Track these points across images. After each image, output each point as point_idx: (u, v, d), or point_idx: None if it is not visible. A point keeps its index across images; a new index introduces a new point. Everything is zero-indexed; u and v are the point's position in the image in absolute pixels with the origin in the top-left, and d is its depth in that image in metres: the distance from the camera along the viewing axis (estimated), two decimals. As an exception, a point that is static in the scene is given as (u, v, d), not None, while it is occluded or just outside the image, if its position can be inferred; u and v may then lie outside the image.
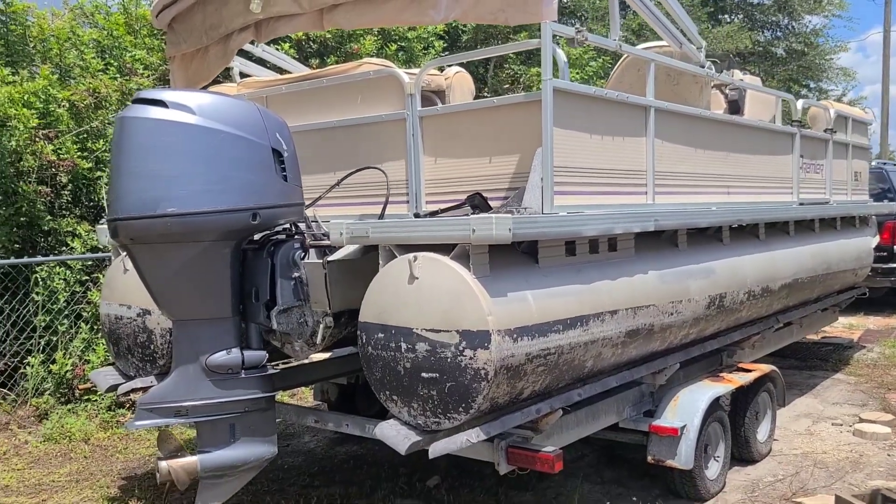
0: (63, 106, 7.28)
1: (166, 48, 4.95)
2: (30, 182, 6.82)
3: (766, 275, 5.39)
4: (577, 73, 11.22)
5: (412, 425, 3.35)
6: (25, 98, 6.83)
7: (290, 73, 5.89)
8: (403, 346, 3.30)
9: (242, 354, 3.74)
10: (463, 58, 4.14)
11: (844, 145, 7.12)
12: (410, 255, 3.31)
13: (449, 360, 3.17)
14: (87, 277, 6.85)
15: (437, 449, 3.19)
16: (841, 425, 6.07)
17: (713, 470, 4.66)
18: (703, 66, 4.65)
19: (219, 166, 3.54)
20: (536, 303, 3.36)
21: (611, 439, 4.82)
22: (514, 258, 3.49)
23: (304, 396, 6.97)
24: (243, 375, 3.77)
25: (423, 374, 3.24)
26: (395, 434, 3.32)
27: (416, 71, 4.29)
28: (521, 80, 10.76)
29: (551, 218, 3.39)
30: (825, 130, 6.74)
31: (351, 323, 4.13)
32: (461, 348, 3.15)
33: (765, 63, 20.27)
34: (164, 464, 3.69)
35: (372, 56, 9.04)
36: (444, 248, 3.32)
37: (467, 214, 3.72)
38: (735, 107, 5.38)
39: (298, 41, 8.63)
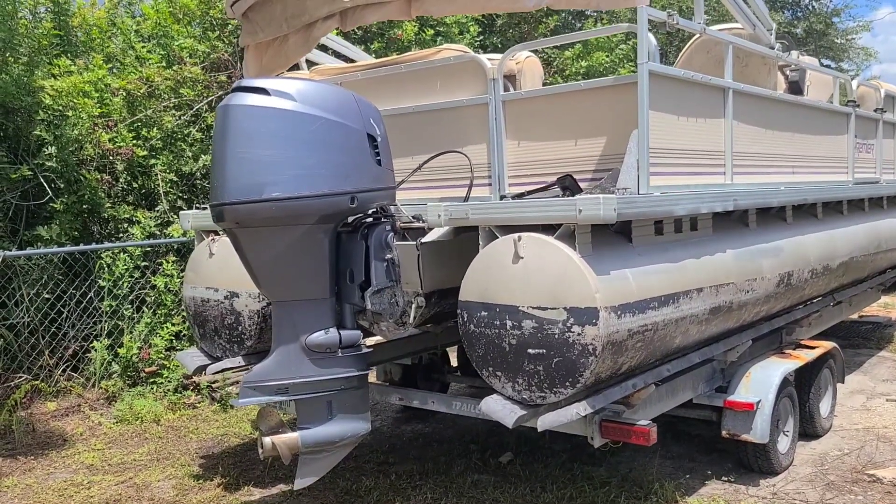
0: (119, 95, 7.39)
1: (241, 37, 5.03)
2: (90, 171, 6.94)
3: (827, 253, 5.48)
4: (606, 56, 11.26)
5: (516, 400, 3.47)
6: (84, 88, 6.94)
7: (349, 59, 5.99)
8: (509, 323, 3.42)
9: (339, 334, 3.86)
10: (547, 42, 4.23)
11: (893, 125, 7.18)
12: (515, 236, 3.42)
13: (556, 336, 3.29)
14: (147, 263, 6.98)
15: (546, 422, 3.32)
16: (895, 401, 6.18)
17: (784, 444, 4.78)
18: (772, 48, 4.72)
19: (319, 151, 3.64)
20: (635, 281, 3.47)
21: (676, 416, 4.94)
22: (609, 238, 3.60)
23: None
24: (340, 354, 3.89)
25: (530, 350, 3.36)
26: (502, 409, 3.44)
27: (496, 56, 4.39)
28: (555, 63, 10.82)
29: (648, 198, 3.50)
30: (875, 110, 6.80)
31: (440, 303, 4.25)
32: (569, 324, 3.26)
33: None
34: (267, 439, 3.82)
35: (412, 41, 9.12)
36: (545, 229, 3.43)
37: (557, 196, 3.83)
38: (796, 87, 5.45)
39: (344, 28, 8.69)
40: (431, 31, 9.42)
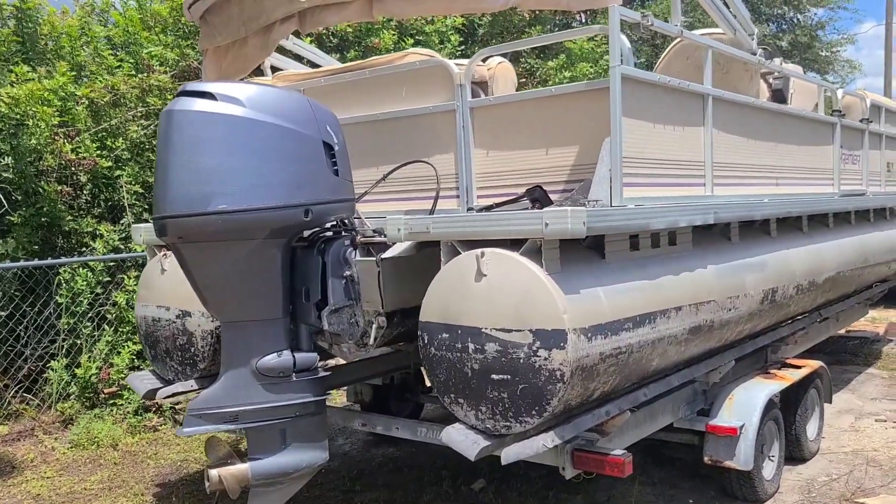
0: (82, 104, 7.12)
1: (199, 41, 4.79)
2: (50, 182, 6.66)
3: (813, 268, 5.26)
4: (591, 68, 11.08)
5: (480, 430, 3.21)
6: (44, 96, 6.67)
7: (320, 66, 5.75)
8: (471, 346, 3.16)
9: (293, 357, 3.60)
10: (517, 46, 4.00)
11: (879, 135, 7.00)
12: (477, 251, 3.17)
13: (522, 360, 3.04)
14: (110, 279, 6.69)
15: (510, 454, 3.06)
16: (885, 421, 5.95)
17: (769, 470, 4.53)
18: (754, 54, 4.52)
19: (270, 160, 3.39)
20: (608, 299, 3.22)
21: (657, 439, 4.69)
22: (580, 253, 3.35)
23: (336, 397, 6.83)
24: (294, 379, 3.63)
25: (493, 376, 3.11)
26: (464, 439, 3.18)
27: (462, 61, 4.16)
28: (538, 73, 10.62)
29: (622, 211, 3.26)
30: (861, 120, 6.62)
31: (403, 323, 4.00)
32: (535, 348, 3.01)
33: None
34: (214, 472, 3.54)
35: (390, 50, 8.90)
36: (511, 244, 3.19)
37: (527, 209, 3.59)
38: (780, 96, 5.25)
39: (318, 36, 8.47)
40: (411, 41, 9.20)
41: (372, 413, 4.42)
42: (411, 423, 4.04)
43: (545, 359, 2.99)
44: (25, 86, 6.53)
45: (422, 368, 6.07)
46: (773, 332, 5.18)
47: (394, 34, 8.96)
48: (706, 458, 4.28)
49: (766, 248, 4.69)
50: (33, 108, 6.53)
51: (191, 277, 3.47)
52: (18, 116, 6.48)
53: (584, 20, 16.48)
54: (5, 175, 6.40)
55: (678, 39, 4.59)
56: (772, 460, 4.59)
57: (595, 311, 3.14)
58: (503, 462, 3.07)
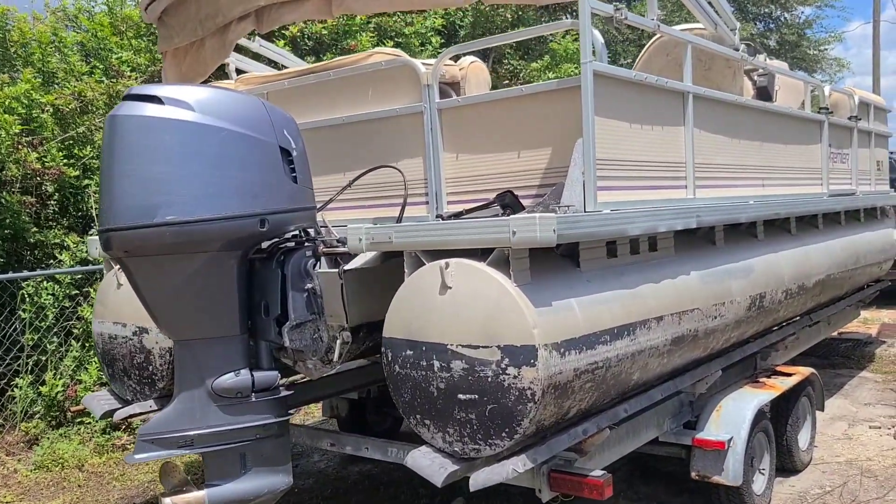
0: (47, 111, 6.88)
1: (158, 43, 4.58)
2: (13, 192, 6.42)
3: (802, 271, 5.07)
4: (576, 68, 10.88)
5: (448, 453, 3.00)
6: (7, 103, 6.44)
7: (287, 68, 5.54)
8: (436, 364, 2.95)
9: (252, 376, 3.38)
10: (485, 43, 3.81)
11: (868, 133, 6.82)
12: (441, 262, 2.96)
13: (489, 379, 2.83)
14: (77, 292, 6.46)
15: (478, 481, 2.84)
16: (879, 428, 5.76)
17: (759, 484, 4.33)
18: (737, 50, 4.33)
19: (221, 167, 3.18)
20: (582, 312, 3.02)
21: (644, 452, 4.49)
22: (553, 262, 3.15)
23: (310, 412, 6.61)
24: (254, 399, 3.41)
25: (460, 396, 2.90)
26: (430, 464, 2.97)
27: (430, 61, 3.96)
28: (521, 75, 10.43)
29: (596, 217, 3.06)
30: (849, 118, 6.44)
31: (369, 337, 3.78)
32: (503, 366, 2.80)
33: (759, 55, 20.01)
34: (168, 501, 3.32)
35: (369, 53, 8.68)
36: (479, 254, 2.98)
37: (497, 215, 3.38)
38: (765, 93, 5.06)
39: (293, 38, 8.26)
40: (391, 43, 8.99)
41: (341, 432, 4.20)
42: (381, 444, 3.82)
43: (515, 377, 2.78)
44: (-15, 93, 6.30)
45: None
46: (761, 338, 4.98)
47: (373, 36, 8.75)
48: (693, 474, 4.08)
49: (752, 251, 4.50)
50: (-6, 116, 6.30)
51: (140, 294, 3.25)
52: (-22, 125, 6.25)
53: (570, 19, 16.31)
54: (-34, 186, 6.17)
55: (658, 36, 4.40)
56: (762, 474, 4.39)
57: (568, 324, 2.93)
58: (472, 488, 2.86)
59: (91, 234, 4.64)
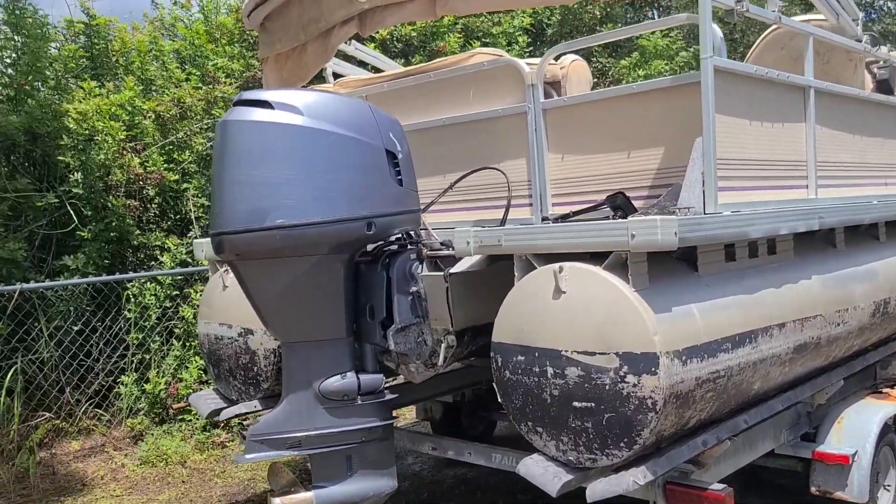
0: (149, 117, 7.11)
1: (259, 49, 4.64)
2: (118, 196, 6.65)
3: (926, 275, 4.75)
4: (666, 65, 10.60)
5: (562, 461, 2.91)
6: (112, 111, 6.67)
7: (383, 71, 5.55)
8: (550, 370, 2.87)
9: (358, 379, 3.37)
10: (591, 42, 3.70)
11: None
12: (555, 266, 2.87)
13: (607, 387, 2.72)
14: (178, 293, 6.64)
15: (596, 491, 2.74)
16: None
17: (885, 501, 4.08)
18: (860, 41, 4.08)
19: (330, 171, 3.17)
20: (703, 318, 2.88)
21: (755, 464, 4.28)
22: (670, 266, 3.02)
23: (403, 414, 6.60)
24: (359, 402, 3.40)
25: (575, 404, 2.80)
26: (543, 472, 2.88)
27: (534, 60, 3.87)
28: (610, 72, 10.22)
29: (717, 219, 2.91)
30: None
31: (474, 341, 3.73)
32: (622, 374, 2.69)
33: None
34: (277, 501, 3.34)
35: (456, 53, 8.66)
36: (591, 258, 2.88)
37: (609, 217, 3.27)
38: (885, 86, 4.76)
39: (382, 41, 8.31)
40: (478, 43, 8.94)
41: (442, 436, 4.16)
42: (485, 449, 3.77)
43: (634, 385, 2.67)
44: (93, 101, 6.54)
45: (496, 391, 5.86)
46: (884, 346, 4.70)
47: (460, 37, 8.72)
48: (813, 489, 3.87)
49: (875, 254, 4.24)
50: (101, 123, 6.53)
51: (250, 296, 3.28)
52: (87, 132, 6.49)
53: (656, 15, 15.96)
54: (75, 191, 6.41)
55: (771, 28, 4.20)
56: (888, 490, 4.13)
57: (690, 331, 2.80)
58: (589, 500, 2.76)
59: (195, 238, 4.74)
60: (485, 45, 9.10)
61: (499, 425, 5.87)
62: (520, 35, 9.13)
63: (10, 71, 6.77)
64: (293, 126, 3.16)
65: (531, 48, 9.68)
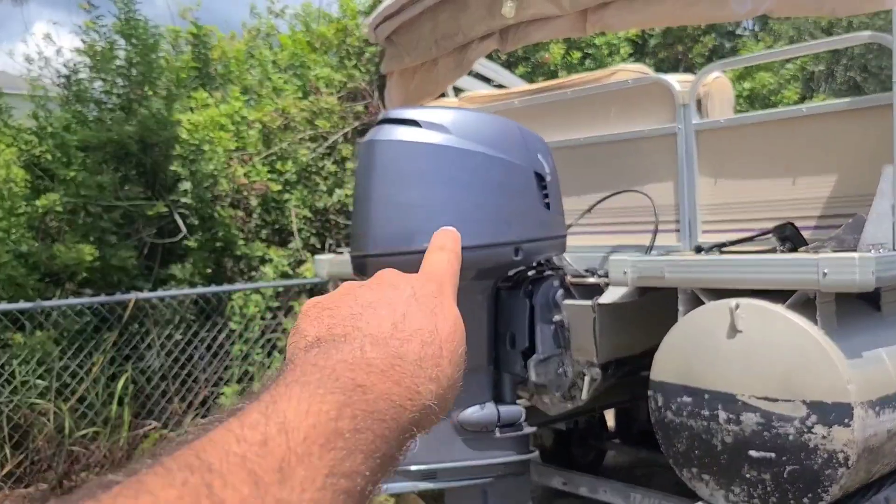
0: (254, 127, 7.15)
1: (384, 63, 4.56)
2: (224, 206, 6.69)
3: None
4: (772, 77, 10.21)
5: (731, 514, 2.71)
6: (221, 121, 6.73)
7: (502, 86, 5.42)
8: (722, 415, 2.67)
9: (497, 410, 3.22)
10: (754, 60, 3.48)
11: None
12: (730, 302, 2.68)
13: (791, 437, 2.51)
14: (279, 305, 6.63)
15: (777, 550, 2.53)
16: None
17: None
18: None
19: (477, 193, 3.01)
20: (893, 364, 2.64)
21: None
22: (852, 306, 2.78)
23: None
24: (498, 434, 3.25)
25: (752, 453, 2.60)
26: (712, 524, 2.69)
27: (682, 77, 3.68)
28: (711, 86, 9.88)
29: (912, 256, 2.67)
30: None
31: (616, 374, 3.55)
32: (809, 423, 2.48)
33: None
34: (411, 534, 3.23)
35: (558, 65, 8.49)
36: (758, 293, 2.67)
37: (776, 249, 3.05)
38: None
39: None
40: (578, 54, 8.76)
41: (573, 471, 3.98)
42: (622, 488, 3.58)
43: (823, 437, 2.46)
44: (206, 112, 6.60)
45: (609, 410, 5.66)
46: None
47: (562, 48, 8.54)
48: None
49: None
50: (212, 134, 6.59)
51: (390, 321, 3.17)
52: (197, 142, 6.55)
53: (752, 26, 15.46)
54: (184, 200, 6.47)
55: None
56: None
57: (882, 378, 2.57)
58: (767, 559, 2.55)
59: (320, 256, 4.68)
60: (585, 55, 8.91)
61: (608, 455, 5.66)
62: (623, 46, 8.90)
63: (120, 81, 6.89)
64: (441, 146, 3.02)
65: (632, 59, 9.43)
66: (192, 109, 6.81)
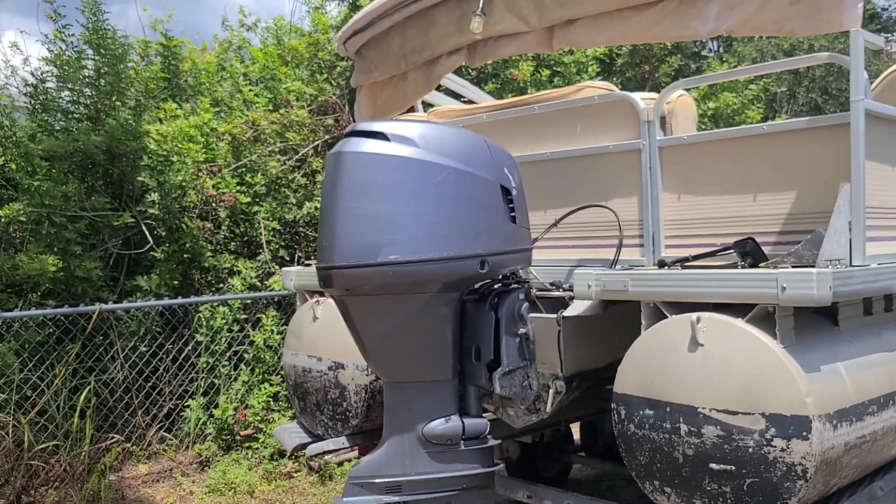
0: (224, 139, 7.11)
1: (353, 77, 4.57)
2: (192, 218, 6.64)
3: None
4: (735, 97, 10.39)
5: (692, 526, 2.73)
6: (190, 132, 6.68)
7: (472, 101, 5.46)
8: (683, 427, 2.69)
9: (463, 423, 3.23)
10: (715, 79, 3.55)
11: None
12: (692, 316, 2.71)
13: (751, 449, 2.54)
14: (246, 317, 6.58)
15: (737, 562, 2.56)
16: None
17: None
18: None
19: (445, 206, 3.06)
20: (850, 377, 2.69)
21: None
22: (809, 321, 2.83)
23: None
24: (462, 447, 3.25)
25: (713, 465, 2.62)
26: (673, 537, 2.71)
27: (646, 95, 3.74)
28: (679, 105, 10.03)
29: (868, 271, 2.73)
30: None
31: (581, 387, 3.57)
32: (768, 436, 2.51)
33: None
34: (373, 546, 3.20)
35: (528, 82, 8.57)
36: (718, 307, 2.72)
37: (738, 264, 3.10)
38: None
39: (458, 68, 8.23)
40: (547, 72, 8.84)
41: (538, 485, 3.98)
42: (587, 502, 3.59)
43: (783, 450, 2.49)
44: (174, 123, 6.55)
45: (575, 423, 5.67)
46: None
47: (531, 65, 8.62)
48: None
49: None
50: (180, 145, 6.54)
51: (355, 332, 3.16)
52: (166, 153, 6.50)
53: (717, 47, 15.73)
54: (151, 211, 6.41)
55: (893, 68, 4.01)
56: None
57: (839, 392, 2.61)
58: (727, 571, 2.57)
59: (287, 268, 4.65)
60: (554, 73, 9.00)
61: (574, 469, 5.68)
62: (591, 64, 9.01)
63: (87, 91, 6.82)
64: (408, 159, 3.06)
65: (600, 77, 9.54)
66: (160, 120, 6.75)
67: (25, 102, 6.76)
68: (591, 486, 5.65)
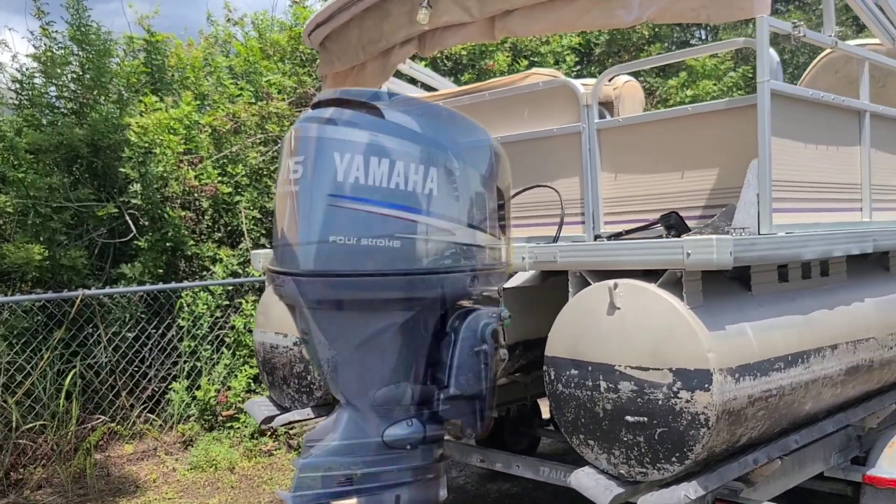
0: (205, 131, 7.33)
1: (319, 68, 4.79)
2: (174, 208, 6.87)
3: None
4: (714, 85, 10.59)
5: (612, 475, 2.96)
6: (171, 125, 6.90)
7: (436, 90, 5.67)
8: (603, 384, 2.92)
9: (424, 427, 3.28)
10: (646, 63, 3.77)
11: None
12: (610, 283, 2.94)
13: (660, 402, 2.77)
14: (228, 302, 6.81)
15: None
16: None
17: (936, 528, 4.02)
18: (916, 65, 4.09)
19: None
20: (756, 337, 2.92)
21: (801, 487, 4.25)
22: (723, 286, 3.06)
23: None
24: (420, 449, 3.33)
25: (628, 418, 2.85)
26: (595, 485, 2.93)
27: (588, 81, 3.95)
28: (658, 92, 10.24)
29: (771, 239, 2.95)
30: None
31: (524, 355, 3.80)
32: (675, 389, 2.74)
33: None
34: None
35: (504, 72, 8.77)
36: (646, 275, 2.94)
37: (661, 236, 3.33)
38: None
39: (433, 59, 8.46)
40: (525, 62, 9.05)
41: (490, 449, 4.22)
42: (533, 462, 3.82)
43: (687, 401, 2.72)
44: (154, 115, 6.77)
45: (548, 404, 5.86)
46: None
47: (508, 56, 8.83)
48: (862, 513, 3.84)
49: (928, 278, 4.21)
50: (161, 137, 6.76)
51: (312, 348, 3.25)
52: (147, 145, 6.72)
53: (705, 36, 15.90)
54: (134, 201, 6.64)
55: (825, 52, 4.23)
56: (939, 517, 4.08)
57: (743, 349, 2.84)
58: (640, 513, 2.81)
59: (255, 250, 4.88)
60: (533, 63, 9.20)
61: (542, 442, 5.90)
62: (568, 54, 9.21)
63: (72, 86, 7.04)
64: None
65: (579, 67, 9.76)
66: (141, 113, 6.98)
67: (12, 99, 6.99)
68: (558, 458, 5.87)
